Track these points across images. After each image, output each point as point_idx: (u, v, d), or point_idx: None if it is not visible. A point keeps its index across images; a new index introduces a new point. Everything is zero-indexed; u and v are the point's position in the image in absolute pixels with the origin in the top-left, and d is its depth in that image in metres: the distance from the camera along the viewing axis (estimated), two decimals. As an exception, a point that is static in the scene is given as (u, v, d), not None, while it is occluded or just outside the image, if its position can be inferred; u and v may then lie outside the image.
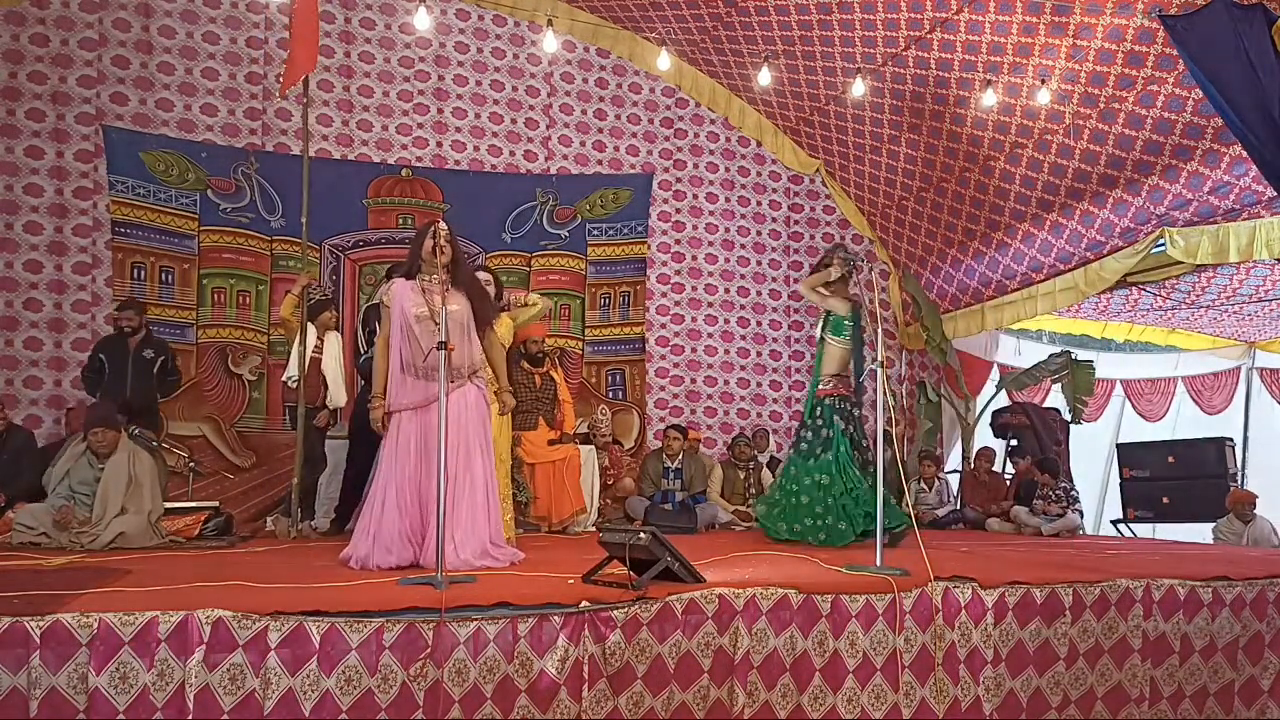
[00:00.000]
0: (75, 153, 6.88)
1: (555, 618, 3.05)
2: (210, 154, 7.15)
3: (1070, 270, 7.19)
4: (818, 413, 5.67)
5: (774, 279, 8.74)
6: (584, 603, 3.11)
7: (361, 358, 6.14)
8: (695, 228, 8.53)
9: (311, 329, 5.87)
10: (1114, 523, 8.75)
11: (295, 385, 5.72)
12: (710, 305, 8.55)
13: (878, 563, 3.87)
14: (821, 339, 5.71)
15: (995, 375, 9.33)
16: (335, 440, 6.65)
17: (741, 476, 7.43)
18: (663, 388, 8.33)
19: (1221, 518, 7.29)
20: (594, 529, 6.14)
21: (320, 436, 6.13)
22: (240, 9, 7.28)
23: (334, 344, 6.01)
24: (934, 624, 3.48)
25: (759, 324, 8.65)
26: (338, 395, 5.96)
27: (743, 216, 8.68)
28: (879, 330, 4.22)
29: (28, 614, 2.61)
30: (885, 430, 4.25)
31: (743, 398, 8.55)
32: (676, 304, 8.41)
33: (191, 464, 6.37)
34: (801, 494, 5.49)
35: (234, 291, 7.18)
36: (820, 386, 5.70)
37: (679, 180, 8.50)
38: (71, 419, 6.33)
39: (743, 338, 8.62)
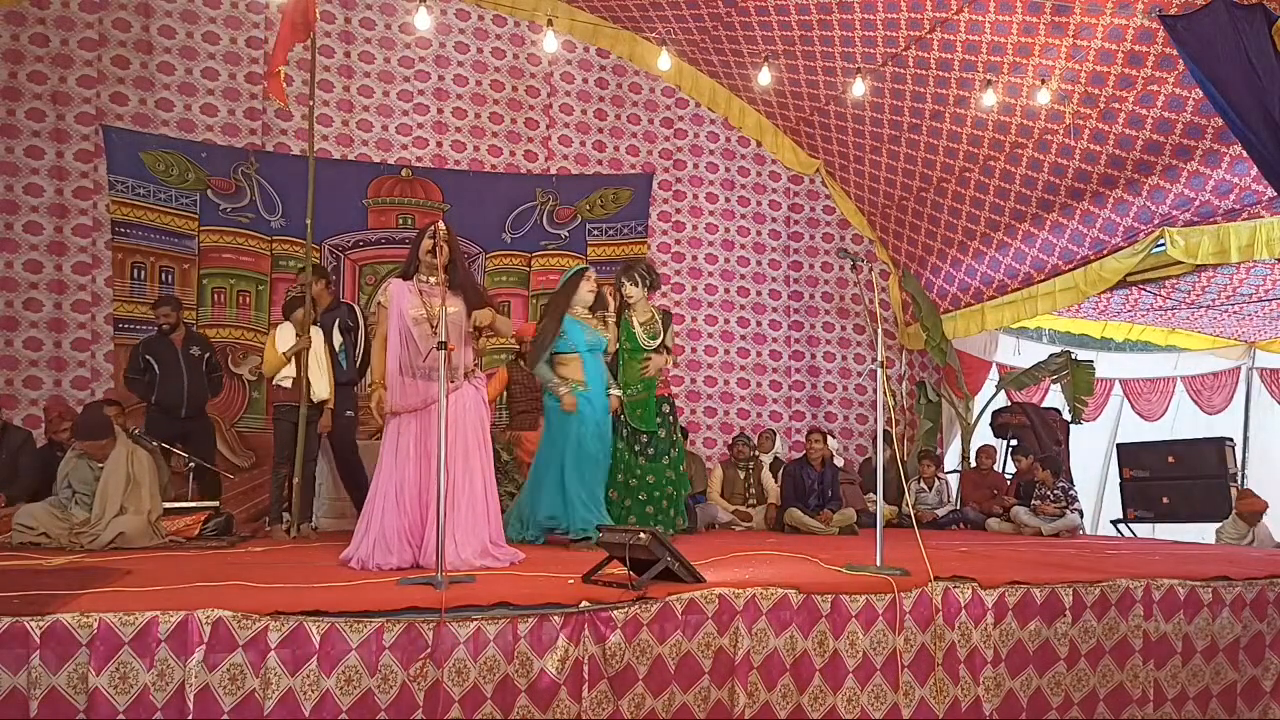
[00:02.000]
0: (75, 153, 6.88)
1: (555, 618, 3.05)
2: (210, 154, 7.15)
3: (1071, 270, 7.19)
4: (665, 410, 5.68)
5: (774, 279, 8.74)
6: (584, 603, 3.11)
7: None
8: (695, 228, 8.53)
9: (289, 326, 5.80)
10: (1114, 523, 8.75)
11: (289, 385, 5.72)
12: (710, 305, 8.55)
13: (878, 563, 3.87)
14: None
15: (995, 375, 9.34)
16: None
17: (741, 476, 7.42)
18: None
19: (1222, 518, 7.28)
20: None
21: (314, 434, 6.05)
22: (240, 9, 7.29)
23: (315, 339, 5.93)
24: (934, 624, 3.48)
25: (759, 324, 8.65)
26: (320, 389, 5.88)
27: (743, 216, 8.68)
28: (879, 330, 4.22)
29: (28, 614, 2.61)
30: (885, 430, 4.25)
31: (743, 398, 8.56)
32: (676, 304, 8.41)
33: (191, 464, 6.36)
34: (640, 491, 5.54)
35: (234, 291, 7.19)
36: (660, 387, 5.69)
37: (679, 180, 8.50)
38: (49, 414, 6.29)
39: (743, 338, 8.62)
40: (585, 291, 5.25)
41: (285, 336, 5.79)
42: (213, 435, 6.42)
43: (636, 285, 5.58)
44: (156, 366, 6.00)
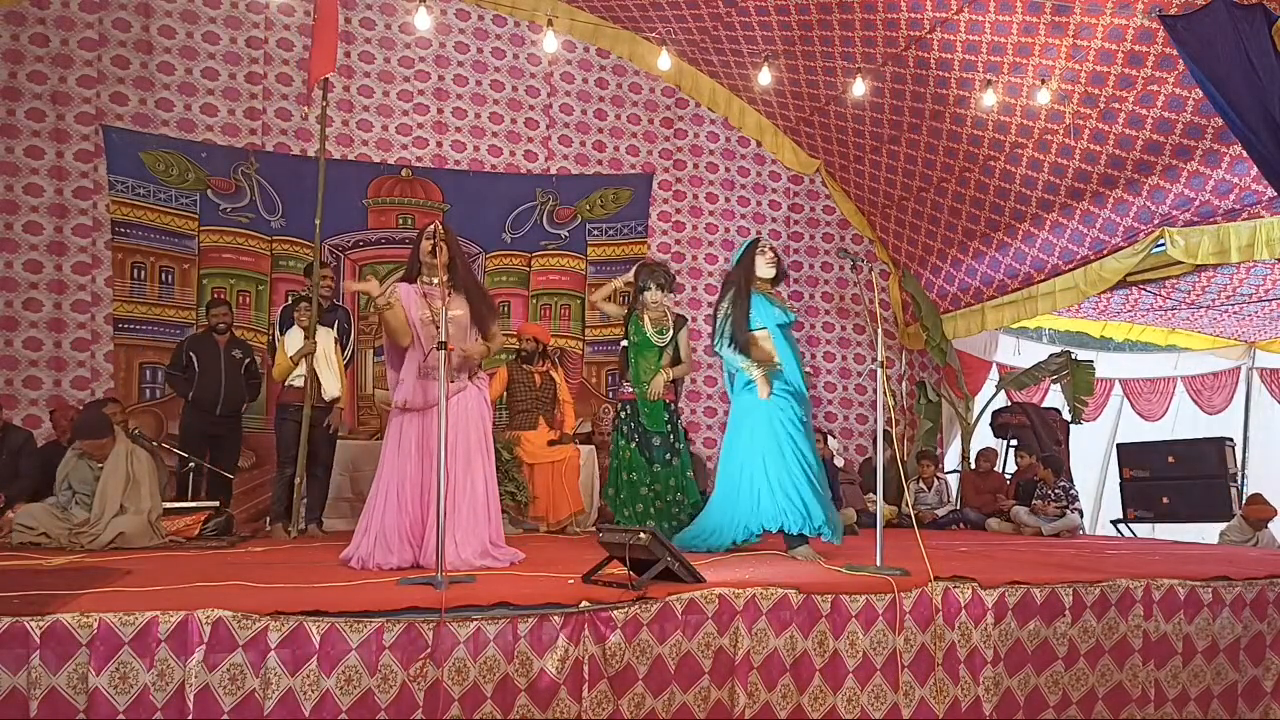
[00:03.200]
0: (75, 153, 6.88)
1: (555, 618, 3.05)
2: (210, 154, 7.15)
3: (1071, 270, 7.19)
4: (667, 415, 5.57)
5: (774, 279, 8.73)
6: (584, 603, 3.11)
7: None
8: (695, 228, 8.53)
9: (299, 331, 5.82)
10: (1114, 523, 8.75)
11: (300, 385, 5.72)
12: (710, 305, 8.53)
13: (878, 563, 3.87)
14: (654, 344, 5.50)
15: (995, 375, 9.34)
16: (341, 440, 6.63)
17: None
18: (663, 388, 8.32)
19: (1222, 518, 7.26)
20: (594, 529, 6.12)
21: (325, 437, 6.05)
22: (240, 9, 7.29)
23: (325, 339, 5.94)
24: (934, 624, 3.48)
25: (759, 324, 8.63)
26: (331, 388, 5.86)
27: (743, 216, 8.68)
28: (879, 330, 4.22)
29: (28, 614, 2.61)
30: (885, 430, 4.24)
31: (743, 398, 8.54)
32: (676, 304, 8.37)
33: (191, 464, 6.36)
34: (647, 492, 5.53)
35: (234, 291, 7.18)
36: (665, 391, 5.54)
37: (679, 180, 8.50)
38: (57, 419, 6.29)
39: (743, 338, 8.60)
40: (764, 264, 4.80)
41: (295, 341, 5.82)
42: (240, 439, 6.43)
43: (662, 291, 5.51)
44: (197, 364, 6.03)
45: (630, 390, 5.59)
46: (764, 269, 4.74)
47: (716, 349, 4.72)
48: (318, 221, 5.65)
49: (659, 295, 5.50)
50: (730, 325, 4.61)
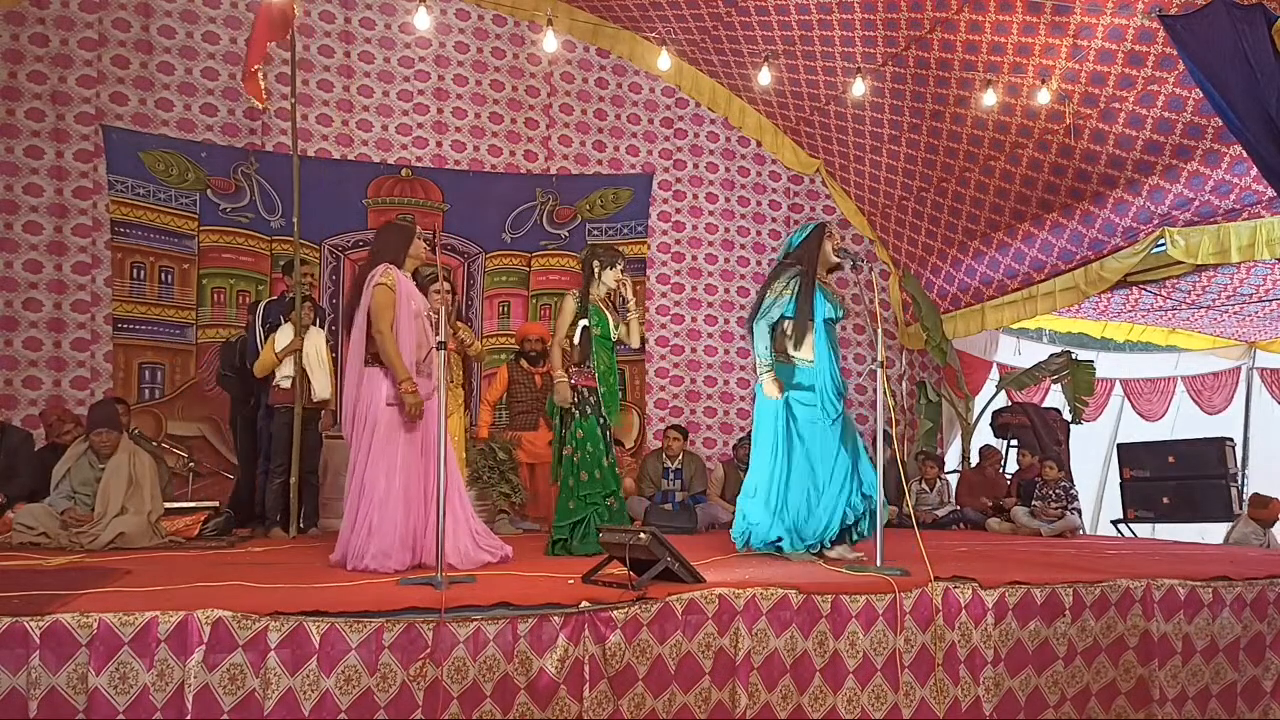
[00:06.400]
0: (75, 153, 6.88)
1: (555, 618, 3.05)
2: (210, 154, 7.15)
3: (1071, 270, 7.19)
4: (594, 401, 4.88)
5: (774, 279, 8.73)
6: (584, 603, 3.11)
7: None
8: (695, 228, 8.53)
9: (289, 328, 5.81)
10: (1114, 523, 8.75)
11: (288, 386, 5.71)
12: (710, 305, 8.55)
13: (878, 563, 3.87)
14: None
15: (995, 375, 9.33)
16: (333, 440, 6.62)
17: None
18: (663, 388, 8.33)
19: (1224, 518, 7.24)
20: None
21: (316, 439, 6.03)
22: (240, 9, 7.28)
23: (315, 338, 5.91)
24: (934, 624, 3.47)
25: (759, 324, 8.64)
26: (322, 389, 5.80)
27: (743, 216, 8.68)
28: (879, 330, 4.21)
29: (28, 614, 2.61)
30: (885, 430, 4.24)
31: (743, 398, 8.55)
32: (676, 304, 8.41)
33: (191, 464, 6.35)
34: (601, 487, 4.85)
35: (234, 291, 7.18)
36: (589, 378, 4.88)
37: (679, 180, 8.50)
38: (48, 417, 6.27)
39: (742, 338, 8.61)
40: (829, 251, 4.55)
41: (285, 338, 5.78)
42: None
43: (626, 274, 4.93)
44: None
45: (588, 375, 4.83)
46: (829, 257, 4.56)
47: (752, 325, 4.54)
48: (295, 220, 5.70)
49: (620, 275, 4.87)
50: (774, 306, 4.47)
